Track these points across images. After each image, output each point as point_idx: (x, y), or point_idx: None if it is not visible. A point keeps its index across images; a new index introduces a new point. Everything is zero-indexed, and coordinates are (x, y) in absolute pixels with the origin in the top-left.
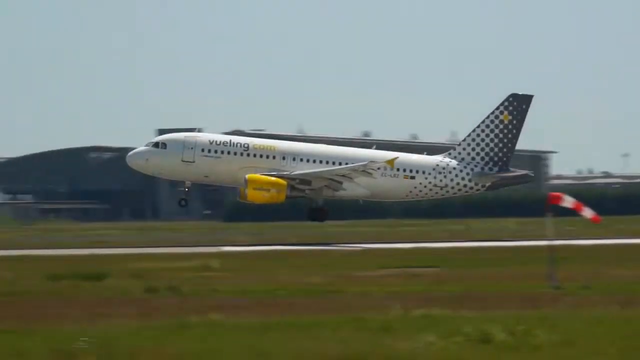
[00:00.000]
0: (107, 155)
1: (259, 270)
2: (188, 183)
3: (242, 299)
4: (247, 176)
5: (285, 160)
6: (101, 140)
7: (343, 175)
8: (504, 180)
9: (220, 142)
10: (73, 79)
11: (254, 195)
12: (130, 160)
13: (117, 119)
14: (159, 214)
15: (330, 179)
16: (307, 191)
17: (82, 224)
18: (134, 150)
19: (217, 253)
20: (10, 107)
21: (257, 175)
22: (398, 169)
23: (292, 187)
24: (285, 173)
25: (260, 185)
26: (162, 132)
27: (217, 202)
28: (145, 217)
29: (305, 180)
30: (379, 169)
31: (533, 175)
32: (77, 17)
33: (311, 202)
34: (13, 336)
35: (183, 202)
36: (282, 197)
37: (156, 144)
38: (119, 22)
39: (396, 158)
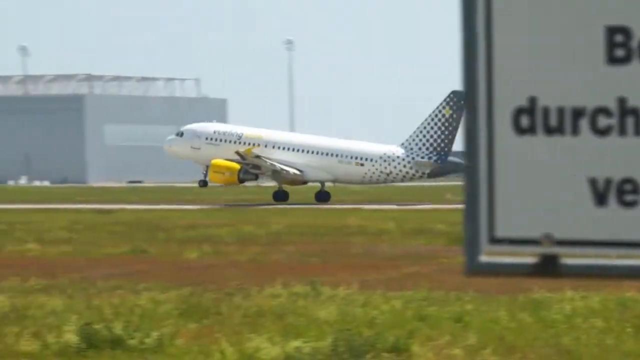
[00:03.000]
0: None
1: None
2: (204, 166)
3: None
4: (211, 161)
5: (267, 148)
6: None
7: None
8: (441, 168)
9: (221, 131)
10: None
11: (213, 177)
12: (164, 146)
13: None
14: None
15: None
16: (259, 175)
17: None
18: (168, 137)
19: None
20: None
21: (218, 160)
22: (351, 157)
23: (245, 171)
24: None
25: (218, 169)
26: None
27: None
28: None
29: (255, 165)
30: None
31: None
32: None
33: (322, 186)
34: None
35: (201, 183)
36: (234, 179)
37: (179, 133)
38: None
39: (251, 148)
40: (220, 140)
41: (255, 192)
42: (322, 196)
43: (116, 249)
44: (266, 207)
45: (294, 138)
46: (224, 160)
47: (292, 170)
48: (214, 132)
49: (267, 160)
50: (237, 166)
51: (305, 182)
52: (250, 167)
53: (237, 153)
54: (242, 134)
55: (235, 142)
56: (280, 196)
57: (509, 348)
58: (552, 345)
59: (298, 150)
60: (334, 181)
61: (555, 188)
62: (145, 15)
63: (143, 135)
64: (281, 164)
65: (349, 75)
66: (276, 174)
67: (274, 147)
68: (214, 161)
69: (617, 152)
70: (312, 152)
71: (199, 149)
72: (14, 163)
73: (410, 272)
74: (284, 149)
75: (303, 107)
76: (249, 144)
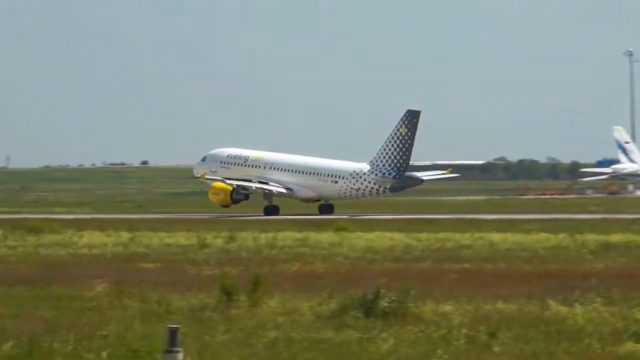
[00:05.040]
0: None
1: None
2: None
3: None
4: (211, 184)
5: (265, 169)
6: None
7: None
8: (399, 183)
9: (232, 155)
10: None
11: (212, 197)
12: (193, 170)
13: None
14: None
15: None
16: (249, 195)
17: None
18: (196, 162)
19: None
20: None
21: (216, 183)
22: (327, 175)
23: (237, 192)
24: (244, 181)
25: (215, 191)
26: None
27: None
28: None
29: (244, 187)
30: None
31: (423, 179)
32: None
33: (325, 201)
34: None
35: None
36: (227, 199)
37: (203, 158)
38: None
39: (205, 173)
40: (231, 164)
41: None
42: (326, 209)
43: None
44: None
45: (287, 159)
46: (220, 183)
47: (275, 190)
48: (227, 156)
49: (234, 183)
50: (229, 188)
51: (317, 200)
52: (241, 189)
53: (198, 177)
54: (248, 156)
55: (242, 165)
56: (271, 211)
57: None
58: None
59: (290, 171)
60: (319, 198)
61: None
62: None
63: None
64: (277, 183)
65: None
66: (266, 192)
67: (271, 168)
68: (213, 184)
69: None
70: (300, 172)
71: (215, 172)
72: None
73: None
74: (279, 169)
75: None
76: (253, 165)
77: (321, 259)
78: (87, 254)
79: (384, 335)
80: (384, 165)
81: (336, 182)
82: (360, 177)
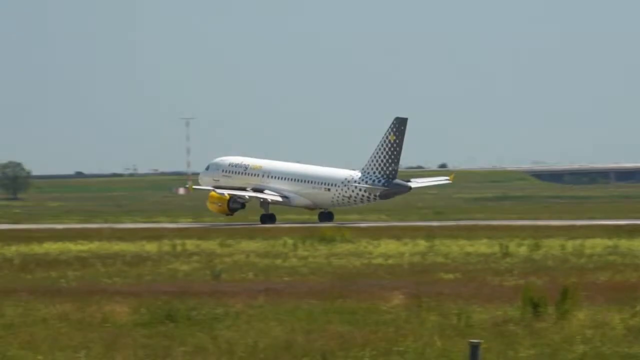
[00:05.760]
0: None
1: None
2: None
3: None
4: (209, 194)
5: (264, 177)
6: None
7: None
8: (387, 190)
9: (234, 164)
10: None
11: (210, 207)
12: (199, 179)
13: None
14: None
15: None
16: (244, 204)
17: None
18: (201, 171)
19: None
20: None
21: (213, 193)
22: (320, 183)
23: (234, 201)
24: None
25: (213, 200)
26: None
27: None
28: None
29: (239, 196)
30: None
31: (411, 186)
32: None
33: (325, 209)
34: None
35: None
36: (225, 209)
37: (207, 167)
38: None
39: (192, 185)
40: (233, 172)
41: None
42: (325, 216)
43: None
44: None
45: (283, 167)
46: (216, 193)
47: (270, 198)
48: (229, 165)
49: (225, 192)
50: (226, 197)
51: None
52: (237, 198)
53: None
54: (248, 165)
55: (242, 174)
56: (267, 218)
57: None
58: None
59: (286, 179)
60: (313, 206)
61: None
62: None
63: None
64: (275, 191)
65: None
66: (261, 201)
67: (269, 176)
68: (210, 193)
69: None
70: (296, 180)
71: (218, 180)
72: None
73: None
74: (276, 178)
75: None
76: (253, 174)
77: (633, 268)
78: (382, 264)
79: None
80: (374, 172)
81: (329, 189)
82: (351, 185)
